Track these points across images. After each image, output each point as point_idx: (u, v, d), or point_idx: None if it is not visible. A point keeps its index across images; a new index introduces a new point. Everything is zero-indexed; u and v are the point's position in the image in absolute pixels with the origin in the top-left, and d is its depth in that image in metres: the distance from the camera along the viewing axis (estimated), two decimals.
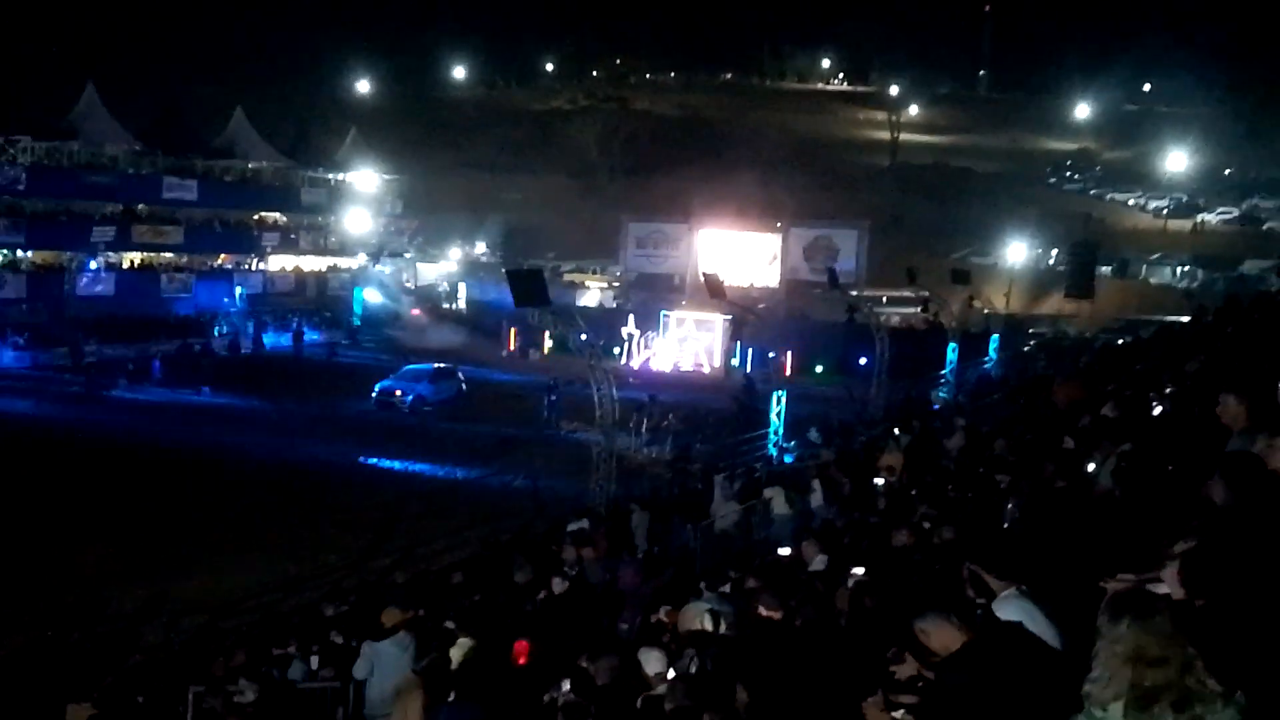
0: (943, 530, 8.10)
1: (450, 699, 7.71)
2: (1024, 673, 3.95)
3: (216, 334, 40.80)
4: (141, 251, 44.07)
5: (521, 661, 9.22)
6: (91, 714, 8.87)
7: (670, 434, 26.91)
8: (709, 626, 7.64)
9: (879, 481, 13.96)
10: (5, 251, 39.69)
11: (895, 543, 8.59)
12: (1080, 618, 3.83)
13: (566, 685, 7.12)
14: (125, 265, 43.40)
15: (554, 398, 29.08)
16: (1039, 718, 3.61)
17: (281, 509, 20.64)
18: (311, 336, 42.34)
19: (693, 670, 6.94)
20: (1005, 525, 8.14)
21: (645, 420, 26.66)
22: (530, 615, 10.41)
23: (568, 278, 53.54)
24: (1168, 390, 10.91)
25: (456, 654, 8.93)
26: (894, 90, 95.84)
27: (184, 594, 15.95)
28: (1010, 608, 4.68)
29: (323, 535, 19.36)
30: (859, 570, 8.04)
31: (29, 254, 40.47)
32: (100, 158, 43.19)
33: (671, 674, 6.92)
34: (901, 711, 4.51)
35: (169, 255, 44.96)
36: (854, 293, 37.47)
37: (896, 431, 19.15)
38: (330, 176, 53.92)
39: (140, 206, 44.05)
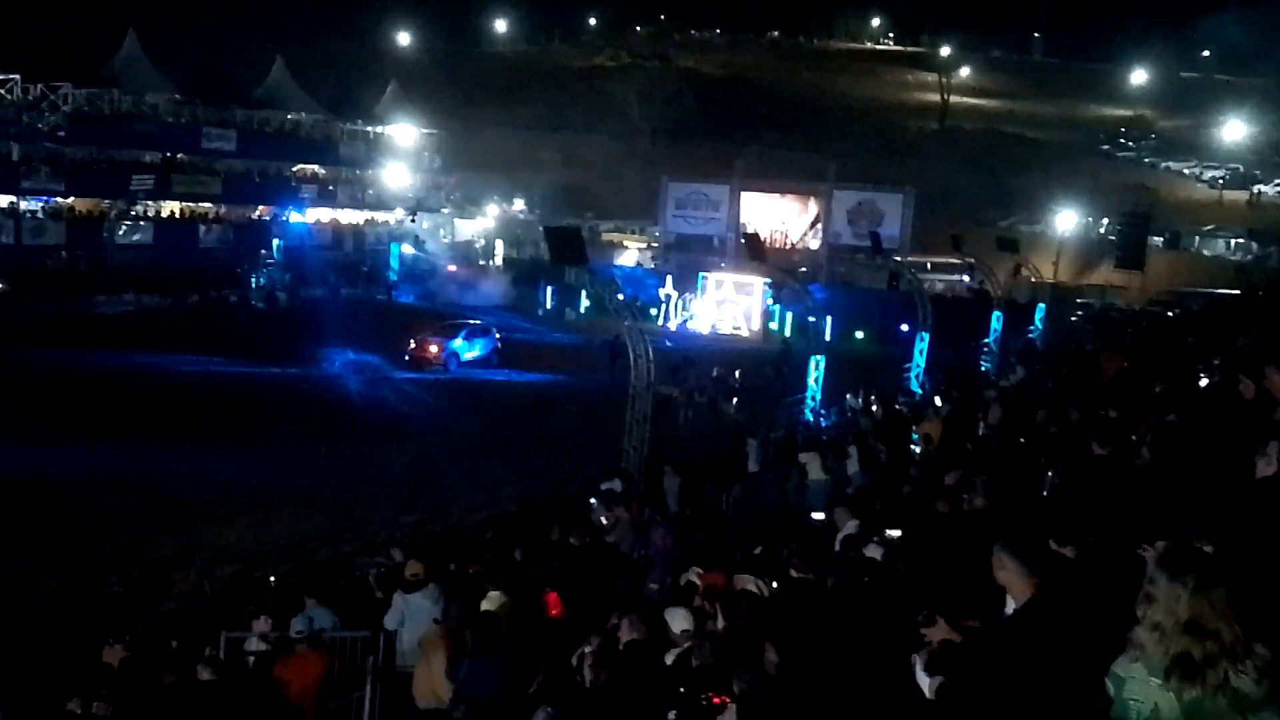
0: (975, 498, 7.93)
1: (471, 651, 7.70)
2: (1084, 634, 3.96)
3: (253, 286, 41.10)
4: (180, 201, 44.25)
5: (554, 613, 9.20)
6: (124, 656, 8.97)
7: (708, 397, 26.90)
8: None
9: (915, 450, 13.81)
10: (45, 199, 39.96)
11: (927, 509, 8.46)
12: (1118, 585, 3.86)
13: (590, 645, 7.07)
14: (165, 215, 43.70)
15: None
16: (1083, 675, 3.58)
17: (312, 460, 20.80)
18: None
19: (720, 629, 6.88)
20: (1045, 494, 8.01)
21: (680, 383, 26.59)
22: (557, 571, 10.38)
23: (606, 238, 53.33)
24: (1215, 363, 10.65)
25: (485, 607, 8.94)
26: (945, 52, 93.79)
27: (217, 544, 16.13)
28: None
29: (356, 489, 19.46)
30: (894, 533, 7.93)
31: (69, 201, 40.74)
32: (140, 106, 43.34)
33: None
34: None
35: (207, 205, 45.20)
36: (897, 259, 36.94)
37: (937, 400, 18.94)
38: (369, 129, 53.82)
39: (180, 156, 44.22)
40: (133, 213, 42.03)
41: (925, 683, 4.46)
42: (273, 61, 49.67)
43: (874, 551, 7.67)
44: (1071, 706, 3.38)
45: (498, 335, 33.62)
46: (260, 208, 47.52)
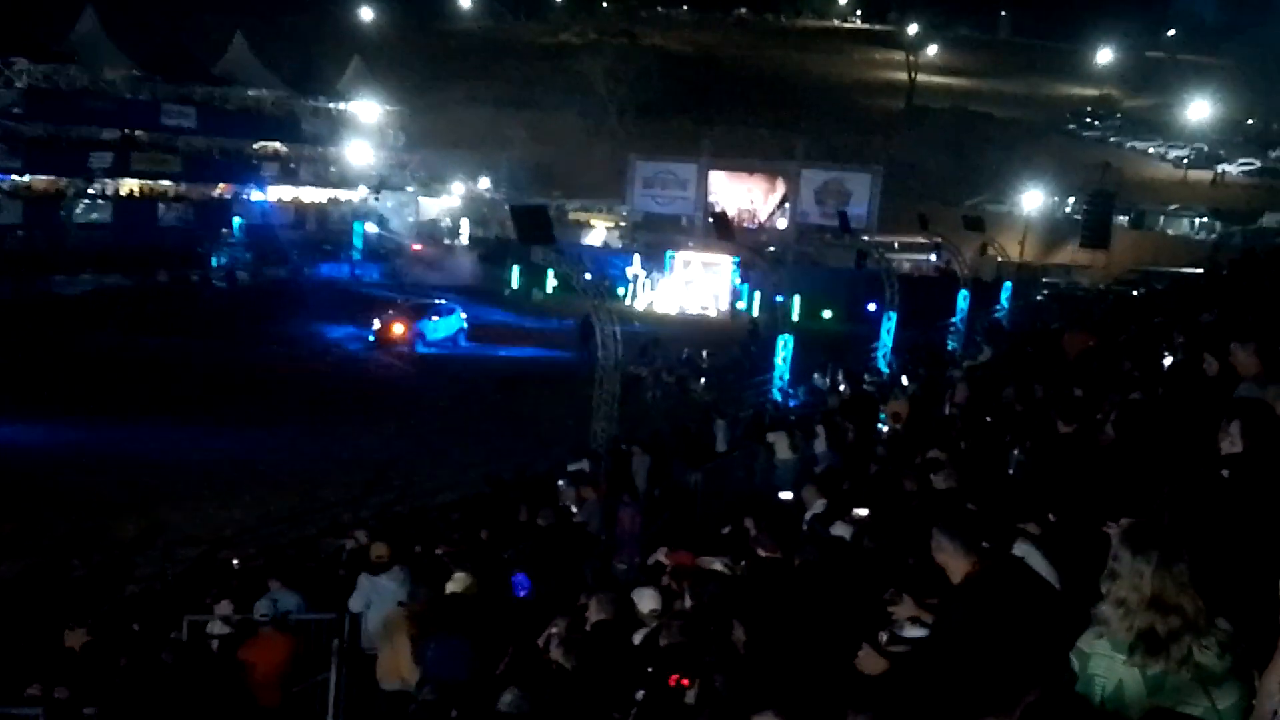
0: (943, 476, 7.94)
1: (438, 632, 7.66)
2: (1026, 608, 3.99)
3: (214, 265, 40.60)
4: (140, 179, 43.52)
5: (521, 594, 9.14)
6: (87, 640, 8.86)
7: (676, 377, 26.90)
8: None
9: (883, 429, 13.87)
10: (1, 177, 39.15)
11: (895, 488, 8.48)
12: (1081, 560, 3.99)
13: (558, 626, 7.03)
14: (124, 193, 42.95)
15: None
16: (1037, 650, 3.61)
17: (278, 441, 20.60)
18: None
19: (687, 608, 6.88)
20: (1010, 472, 8.04)
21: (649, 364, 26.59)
22: (522, 551, 10.35)
23: (573, 216, 53.06)
24: (1179, 341, 10.72)
25: (451, 588, 8.89)
26: (912, 30, 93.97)
27: (181, 526, 15.95)
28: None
29: (321, 470, 19.30)
30: (861, 512, 7.94)
31: (26, 179, 39.94)
32: (99, 82, 42.54)
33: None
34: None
35: (167, 184, 44.45)
36: (865, 238, 37.04)
37: (904, 380, 19.05)
38: (332, 106, 53.07)
39: (139, 133, 43.41)
40: (91, 191, 41.31)
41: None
42: (233, 37, 48.81)
43: (842, 530, 7.68)
44: (1030, 684, 3.39)
45: (464, 315, 33.43)
46: (221, 186, 46.83)
